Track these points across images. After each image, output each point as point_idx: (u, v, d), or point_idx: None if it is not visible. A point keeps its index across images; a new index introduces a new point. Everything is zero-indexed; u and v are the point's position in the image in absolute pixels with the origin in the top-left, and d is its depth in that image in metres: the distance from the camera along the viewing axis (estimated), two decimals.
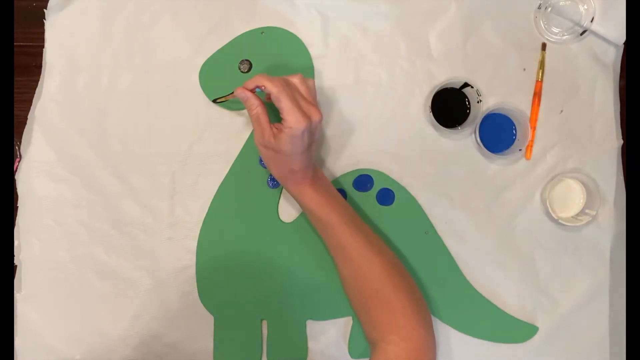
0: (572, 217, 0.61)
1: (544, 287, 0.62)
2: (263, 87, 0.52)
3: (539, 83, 0.62)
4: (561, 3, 0.63)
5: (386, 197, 0.61)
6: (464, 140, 0.62)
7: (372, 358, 0.54)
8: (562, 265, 0.62)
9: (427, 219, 0.61)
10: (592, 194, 0.61)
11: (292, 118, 0.50)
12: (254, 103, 0.53)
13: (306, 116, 0.51)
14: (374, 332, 0.55)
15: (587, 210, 0.61)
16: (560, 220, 0.60)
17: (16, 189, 0.60)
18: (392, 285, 0.54)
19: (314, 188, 0.55)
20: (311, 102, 0.53)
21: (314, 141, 0.54)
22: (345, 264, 0.56)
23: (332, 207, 0.55)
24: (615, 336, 0.62)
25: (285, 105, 0.50)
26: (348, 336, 0.61)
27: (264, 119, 0.53)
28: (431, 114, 0.60)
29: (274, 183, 0.61)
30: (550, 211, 0.60)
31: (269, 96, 0.52)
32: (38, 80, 0.61)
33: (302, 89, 0.53)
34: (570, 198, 0.62)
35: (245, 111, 0.61)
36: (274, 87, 0.51)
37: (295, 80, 0.53)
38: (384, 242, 0.57)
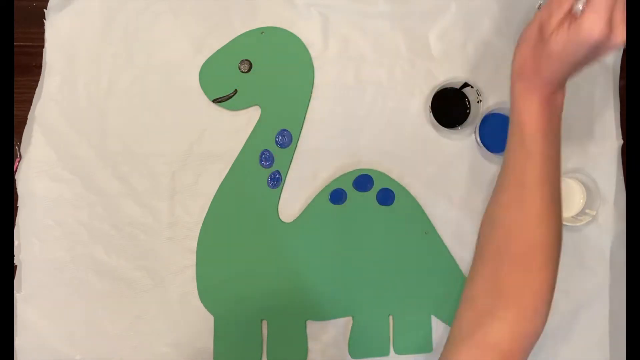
0: (572, 217, 0.61)
1: None
2: None
3: None
4: None
5: (386, 197, 0.61)
6: (464, 140, 0.62)
7: (466, 333, 0.45)
8: (562, 265, 0.62)
9: (427, 219, 0.61)
10: (592, 194, 0.61)
11: (591, 20, 0.39)
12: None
13: (607, 28, 0.39)
14: (487, 297, 0.46)
15: (587, 210, 0.61)
16: None
17: (16, 189, 0.60)
18: (547, 257, 0.46)
19: (543, 103, 0.44)
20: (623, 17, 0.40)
21: (588, 62, 0.43)
22: (511, 201, 0.47)
23: (544, 132, 0.45)
24: (615, 336, 0.62)
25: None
26: (348, 336, 0.61)
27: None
28: (431, 114, 0.60)
29: (274, 183, 0.61)
30: None
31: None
32: (38, 80, 0.61)
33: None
34: (570, 198, 0.61)
35: (245, 111, 0.61)
36: None
37: None
38: (560, 204, 0.48)
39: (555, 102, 0.46)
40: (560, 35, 0.42)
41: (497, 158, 0.61)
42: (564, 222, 0.60)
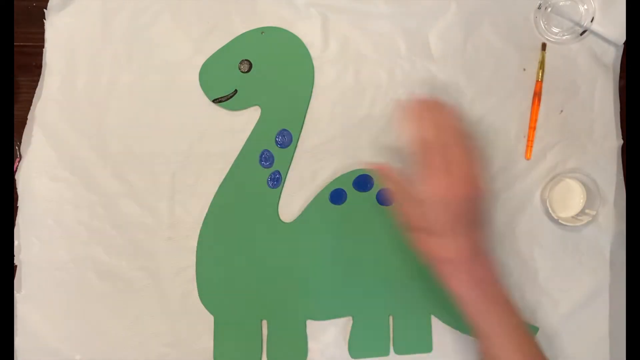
0: (572, 217, 0.61)
1: (544, 287, 0.62)
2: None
3: (539, 83, 0.62)
4: (561, 3, 0.63)
5: (386, 197, 0.61)
6: None
7: None
8: (562, 265, 0.62)
9: None
10: (592, 194, 0.61)
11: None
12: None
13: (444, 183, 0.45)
14: None
15: (587, 210, 0.61)
16: (560, 220, 0.60)
17: (16, 189, 0.60)
18: None
19: (468, 277, 0.47)
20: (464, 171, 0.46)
21: (472, 220, 0.47)
22: None
23: (490, 310, 0.47)
24: (615, 336, 0.62)
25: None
26: (348, 336, 0.61)
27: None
28: None
29: (274, 183, 0.61)
30: (551, 211, 0.60)
31: None
32: (38, 80, 0.61)
33: (456, 150, 0.46)
34: (570, 198, 0.62)
35: (245, 111, 0.61)
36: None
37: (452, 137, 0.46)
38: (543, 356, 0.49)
39: (479, 260, 0.47)
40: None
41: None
42: (564, 222, 0.60)
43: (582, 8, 0.62)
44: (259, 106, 0.61)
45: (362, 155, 0.62)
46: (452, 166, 0.46)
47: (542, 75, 0.62)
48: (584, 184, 0.61)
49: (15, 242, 0.59)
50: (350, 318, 0.61)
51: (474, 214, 0.48)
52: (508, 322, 0.48)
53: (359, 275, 0.61)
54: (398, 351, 0.60)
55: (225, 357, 0.60)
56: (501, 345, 0.47)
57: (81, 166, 0.60)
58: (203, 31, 0.61)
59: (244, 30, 0.61)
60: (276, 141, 0.61)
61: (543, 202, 0.61)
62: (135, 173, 0.61)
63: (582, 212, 0.61)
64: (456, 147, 0.46)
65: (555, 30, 0.63)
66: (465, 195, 0.46)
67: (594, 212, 0.60)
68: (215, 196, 0.61)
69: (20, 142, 0.60)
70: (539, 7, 0.63)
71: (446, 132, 0.47)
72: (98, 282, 0.60)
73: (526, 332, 0.49)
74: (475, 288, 0.48)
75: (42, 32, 0.61)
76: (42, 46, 0.61)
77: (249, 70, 0.61)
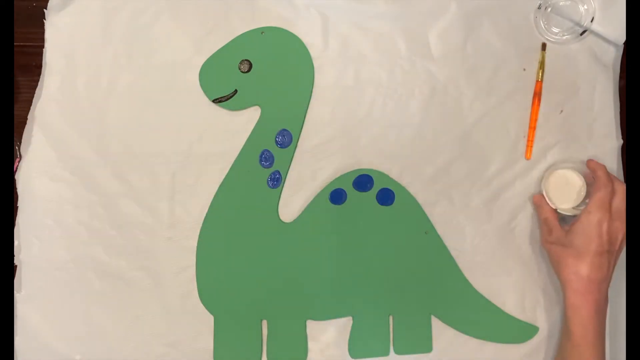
0: (573, 207, 0.60)
1: (544, 287, 0.62)
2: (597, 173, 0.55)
3: (539, 83, 0.62)
4: (561, 3, 0.63)
5: (386, 197, 0.61)
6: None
7: None
8: None
9: (427, 219, 0.61)
10: (590, 183, 0.59)
11: (597, 202, 0.52)
12: (546, 209, 0.58)
13: (607, 209, 0.52)
14: None
15: (587, 200, 0.60)
16: (559, 210, 0.59)
17: (16, 189, 0.60)
18: None
19: (594, 311, 0.52)
20: (622, 216, 0.53)
21: (613, 261, 0.53)
22: None
23: (595, 339, 0.52)
24: (615, 336, 0.62)
25: (596, 201, 0.52)
26: (348, 336, 0.61)
27: (553, 221, 0.57)
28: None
29: (274, 183, 0.61)
30: (549, 202, 0.60)
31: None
32: (38, 80, 0.61)
33: (618, 198, 0.53)
34: (571, 189, 0.61)
35: (245, 111, 0.61)
36: (607, 181, 0.53)
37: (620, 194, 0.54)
38: None
39: (604, 302, 0.53)
40: (574, 228, 0.53)
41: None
42: (564, 213, 0.59)
43: (582, 8, 0.62)
44: (259, 106, 0.61)
45: (362, 155, 0.62)
46: (621, 214, 0.53)
47: (542, 75, 0.62)
48: (581, 174, 0.60)
49: (15, 242, 0.59)
50: (350, 318, 0.61)
51: (618, 258, 0.54)
52: (597, 337, 0.52)
53: (359, 275, 0.61)
54: (398, 351, 0.60)
55: (225, 357, 0.60)
56: (584, 352, 0.52)
57: (81, 166, 0.60)
58: (203, 31, 0.61)
59: (244, 30, 0.61)
60: (276, 141, 0.61)
61: (542, 194, 0.61)
62: (135, 173, 0.61)
63: (582, 202, 0.60)
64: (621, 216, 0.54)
65: (555, 30, 0.63)
66: (622, 239, 0.53)
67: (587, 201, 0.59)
68: (215, 196, 0.61)
69: (20, 142, 0.60)
70: (539, 7, 0.63)
71: (621, 200, 0.54)
72: (98, 282, 0.60)
73: (604, 353, 0.53)
74: (597, 315, 0.52)
75: (42, 32, 0.61)
76: (42, 46, 0.61)
77: (249, 70, 0.61)
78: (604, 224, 0.51)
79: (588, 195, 0.60)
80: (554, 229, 0.55)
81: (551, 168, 0.61)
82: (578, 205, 0.60)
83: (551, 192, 0.60)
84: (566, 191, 0.60)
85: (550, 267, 0.61)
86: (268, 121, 0.61)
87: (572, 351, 0.53)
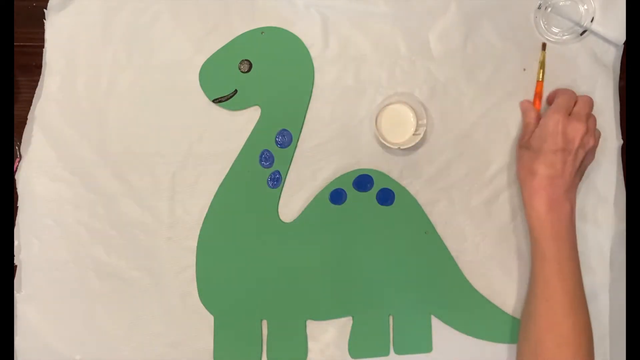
0: (412, 135, 0.60)
1: None
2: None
3: (539, 83, 0.62)
4: (561, 3, 0.63)
5: (386, 197, 0.61)
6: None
7: None
8: None
9: (427, 219, 0.61)
10: (418, 108, 0.59)
11: (555, 106, 0.54)
12: (530, 115, 0.59)
13: (565, 112, 0.53)
14: None
15: (419, 122, 0.60)
16: (394, 146, 0.59)
17: (16, 189, 0.60)
18: (574, 350, 0.51)
19: (548, 207, 0.53)
20: (581, 118, 0.54)
21: (571, 160, 0.53)
22: (538, 301, 0.54)
23: (554, 236, 0.53)
24: (615, 335, 0.62)
25: (553, 105, 0.54)
26: (348, 336, 0.61)
27: (532, 127, 0.57)
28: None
29: (274, 183, 0.61)
30: (381, 139, 0.59)
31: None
32: (38, 80, 0.61)
33: (580, 104, 0.55)
34: (404, 121, 0.60)
35: (245, 111, 0.61)
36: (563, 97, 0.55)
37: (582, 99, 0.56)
38: (585, 298, 0.54)
39: (564, 199, 0.53)
40: (535, 132, 0.55)
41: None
42: (405, 145, 0.59)
43: (582, 8, 0.62)
44: (259, 106, 0.61)
45: (362, 155, 0.62)
46: (581, 116, 0.53)
47: (543, 75, 0.62)
48: (407, 104, 0.60)
49: (15, 242, 0.59)
50: (350, 318, 0.61)
51: (578, 159, 0.54)
52: (568, 254, 0.53)
53: (359, 275, 0.61)
54: (398, 351, 0.61)
55: (225, 357, 0.60)
56: (554, 271, 0.52)
57: (81, 166, 0.60)
58: (203, 31, 0.61)
59: (244, 30, 0.61)
60: (276, 141, 0.61)
61: (374, 134, 0.60)
62: (135, 173, 0.61)
63: (417, 127, 0.60)
64: (587, 114, 0.55)
65: (555, 30, 0.63)
66: (581, 139, 0.53)
67: (424, 121, 0.59)
68: (215, 196, 0.61)
69: (20, 142, 0.60)
70: (539, 7, 0.63)
71: (583, 105, 0.55)
72: (98, 282, 0.60)
73: (578, 267, 0.54)
74: (551, 211, 0.53)
75: (42, 32, 0.61)
76: (42, 46, 0.61)
77: (249, 70, 0.61)
78: (559, 124, 0.52)
79: (419, 117, 0.60)
80: (526, 135, 0.57)
81: (382, 103, 0.60)
82: (415, 132, 0.60)
83: (383, 130, 0.60)
84: (402, 125, 0.60)
85: None
86: (268, 121, 0.61)
87: (533, 248, 0.55)
